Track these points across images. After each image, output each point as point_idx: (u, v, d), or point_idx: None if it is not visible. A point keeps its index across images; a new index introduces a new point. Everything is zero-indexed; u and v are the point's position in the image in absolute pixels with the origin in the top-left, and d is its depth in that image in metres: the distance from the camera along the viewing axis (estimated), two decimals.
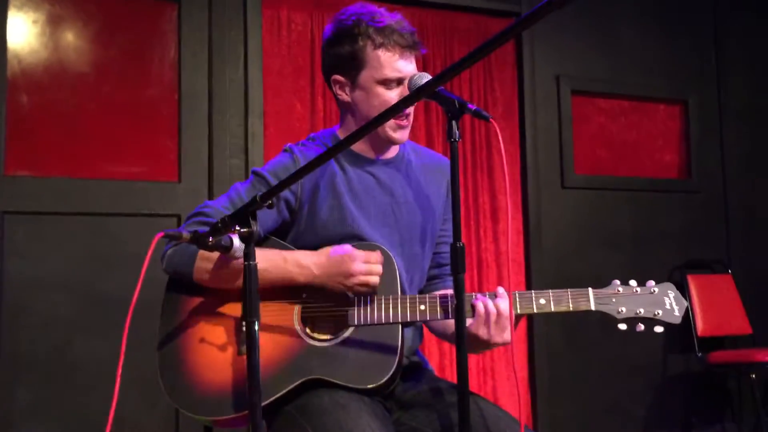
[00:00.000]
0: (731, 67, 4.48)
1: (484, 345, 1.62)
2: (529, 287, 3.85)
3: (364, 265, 1.62)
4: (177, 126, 3.28)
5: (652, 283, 1.67)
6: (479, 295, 1.62)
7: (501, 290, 1.62)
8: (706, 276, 4.16)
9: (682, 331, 3.98)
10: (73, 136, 3.12)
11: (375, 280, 1.63)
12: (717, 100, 4.45)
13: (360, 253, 1.63)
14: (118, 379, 1.30)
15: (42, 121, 3.08)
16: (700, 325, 3.97)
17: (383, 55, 1.73)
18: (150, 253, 1.33)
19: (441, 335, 1.88)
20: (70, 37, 3.17)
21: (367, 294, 1.65)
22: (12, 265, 2.95)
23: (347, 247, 1.65)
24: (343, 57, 1.77)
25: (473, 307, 1.61)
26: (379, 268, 1.64)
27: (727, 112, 4.45)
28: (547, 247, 3.93)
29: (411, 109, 1.79)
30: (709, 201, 4.35)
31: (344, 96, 1.80)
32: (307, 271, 1.64)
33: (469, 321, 1.61)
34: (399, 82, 1.75)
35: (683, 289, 4.01)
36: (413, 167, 1.88)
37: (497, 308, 1.59)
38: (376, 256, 1.65)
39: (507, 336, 1.60)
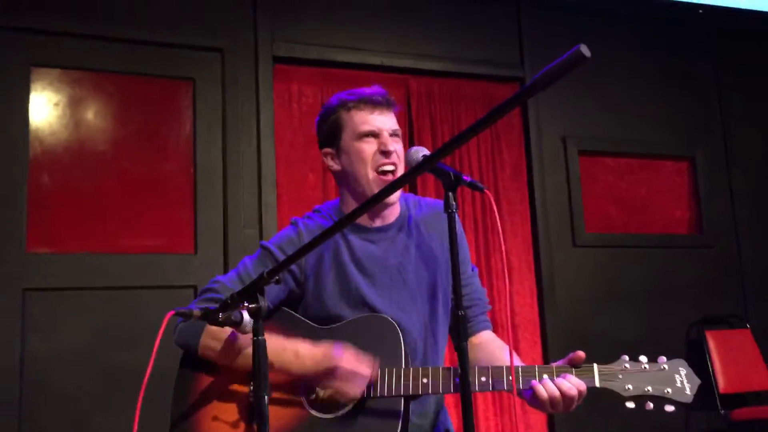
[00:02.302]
0: (736, 120, 4.54)
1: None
2: (544, 347, 3.84)
3: (349, 374, 1.62)
4: (193, 199, 3.36)
5: (663, 359, 1.60)
6: (534, 381, 1.60)
7: (579, 354, 1.62)
8: (724, 331, 4.12)
9: (703, 388, 3.91)
10: (92, 212, 3.21)
11: (354, 392, 1.62)
12: (724, 153, 4.49)
13: (351, 361, 1.63)
14: None
15: (62, 198, 3.18)
16: (721, 382, 3.91)
17: (356, 114, 1.84)
18: (162, 330, 1.38)
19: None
20: (89, 116, 3.30)
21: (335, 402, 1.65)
22: (32, 341, 3.01)
23: (345, 348, 1.65)
24: (326, 131, 1.89)
25: (532, 386, 1.59)
26: (362, 382, 1.63)
27: (735, 165, 4.49)
28: (561, 307, 3.93)
29: (399, 160, 1.84)
30: (722, 255, 4.35)
31: (335, 165, 1.89)
32: (302, 362, 1.66)
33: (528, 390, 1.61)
34: (374, 135, 1.83)
35: (702, 346, 3.97)
36: (414, 224, 1.92)
37: (561, 389, 1.58)
38: (369, 368, 1.64)
39: (572, 408, 1.59)
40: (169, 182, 3.37)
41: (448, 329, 1.93)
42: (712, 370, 3.91)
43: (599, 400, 3.96)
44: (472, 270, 1.97)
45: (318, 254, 1.81)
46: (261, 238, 3.38)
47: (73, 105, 3.27)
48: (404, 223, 1.92)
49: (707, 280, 4.26)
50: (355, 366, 1.63)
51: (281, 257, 1.78)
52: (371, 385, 1.65)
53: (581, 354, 1.63)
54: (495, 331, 3.92)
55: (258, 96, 3.51)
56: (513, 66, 4.06)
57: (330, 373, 1.63)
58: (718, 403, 3.87)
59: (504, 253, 1.66)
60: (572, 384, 1.58)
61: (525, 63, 4.06)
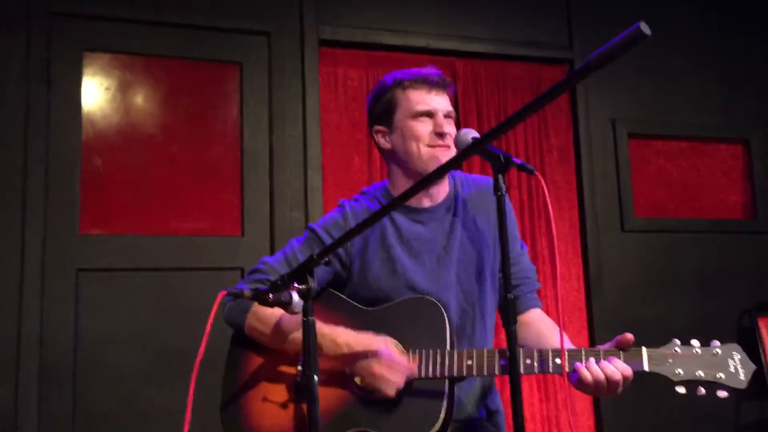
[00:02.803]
0: None
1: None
2: (591, 334, 3.79)
3: (386, 371, 1.62)
4: (239, 182, 3.40)
5: (716, 343, 1.56)
6: (578, 363, 1.59)
7: (628, 336, 1.60)
8: None
9: (755, 376, 3.84)
10: (142, 194, 3.27)
11: (389, 390, 1.62)
12: None
13: (390, 357, 1.63)
14: (186, 429, 1.35)
15: (113, 181, 3.25)
16: None
17: (411, 93, 1.85)
18: (214, 310, 1.40)
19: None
20: (139, 101, 3.35)
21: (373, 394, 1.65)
22: (86, 321, 3.09)
23: (384, 343, 1.66)
24: (380, 109, 1.89)
25: (576, 369, 1.58)
26: (399, 379, 1.62)
27: None
28: (609, 293, 3.87)
29: (450, 145, 1.83)
30: None
31: (385, 143, 1.89)
32: (340, 351, 1.67)
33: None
34: (429, 114, 1.83)
35: (754, 333, 3.89)
36: (461, 203, 1.91)
37: (605, 373, 1.56)
38: (406, 367, 1.64)
39: (618, 392, 1.58)
40: (217, 166, 3.41)
41: (496, 308, 1.92)
42: (765, 358, 3.82)
43: (648, 385, 3.92)
44: (521, 247, 1.96)
45: (364, 236, 1.82)
46: (306, 220, 3.40)
47: (124, 89, 3.33)
48: (452, 202, 1.91)
49: (760, 266, 4.15)
50: (391, 366, 1.63)
51: (327, 239, 1.80)
52: (417, 357, 1.65)
53: (629, 336, 1.61)
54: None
55: (304, 79, 3.52)
56: (561, 48, 4.00)
57: (367, 369, 1.64)
58: None
59: (555, 235, 1.63)
60: (617, 368, 1.56)
61: (574, 45, 3.99)
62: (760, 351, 3.83)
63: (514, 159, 1.47)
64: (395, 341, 1.68)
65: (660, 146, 4.17)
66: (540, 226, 3.81)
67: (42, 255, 3.06)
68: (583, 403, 3.75)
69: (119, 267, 3.17)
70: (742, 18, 4.38)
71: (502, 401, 1.96)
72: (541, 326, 1.89)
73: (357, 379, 1.68)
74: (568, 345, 1.67)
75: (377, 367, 1.63)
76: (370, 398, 1.66)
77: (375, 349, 1.64)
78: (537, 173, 1.45)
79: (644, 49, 4.10)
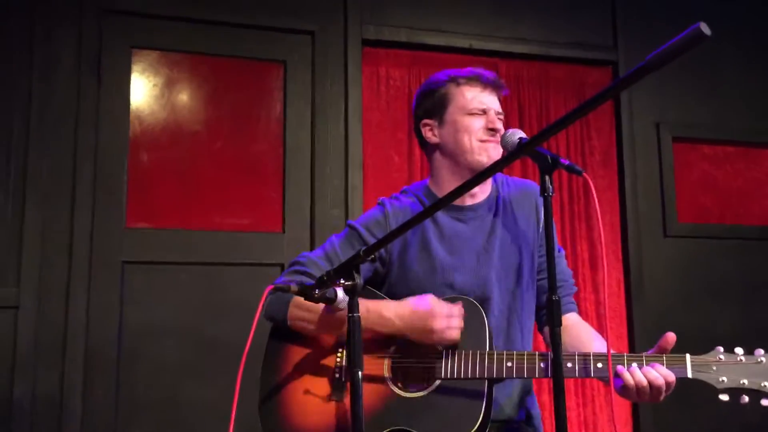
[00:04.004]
0: None
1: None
2: (631, 340, 3.75)
3: (445, 321, 1.64)
4: (282, 179, 3.43)
5: (760, 351, 1.55)
6: (620, 367, 1.58)
7: (670, 336, 1.60)
8: None
9: None
10: (187, 190, 3.33)
11: (455, 335, 1.65)
12: None
13: (441, 309, 1.66)
14: (232, 422, 1.37)
15: (159, 176, 3.31)
16: None
17: (466, 89, 1.87)
18: (262, 303, 1.42)
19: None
20: (185, 98, 3.40)
21: (448, 347, 1.67)
22: (130, 312, 3.15)
23: (430, 299, 1.68)
24: (431, 103, 1.90)
25: (618, 374, 1.58)
26: (459, 323, 1.66)
27: None
28: (650, 299, 3.82)
29: (500, 133, 1.84)
30: None
31: (433, 137, 1.90)
32: (390, 323, 1.69)
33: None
34: (482, 112, 1.85)
35: None
36: (502, 203, 1.92)
37: (648, 378, 1.56)
38: (459, 309, 1.67)
39: (668, 392, 1.58)
40: (260, 162, 3.45)
41: (534, 311, 1.92)
42: None
43: (688, 393, 3.85)
44: (559, 251, 1.95)
45: (404, 235, 1.82)
46: (347, 218, 3.42)
47: (170, 86, 3.39)
48: (494, 202, 1.91)
49: None
50: (445, 312, 1.65)
51: (368, 237, 1.81)
52: (457, 357, 1.65)
53: (671, 335, 1.59)
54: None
55: (347, 78, 3.54)
56: (606, 49, 3.95)
57: (425, 327, 1.64)
58: None
59: (602, 235, 1.63)
60: (660, 374, 1.55)
61: (619, 46, 3.94)
62: None
63: (562, 160, 1.47)
64: (432, 295, 1.70)
65: (705, 150, 4.10)
66: (581, 229, 3.78)
67: (89, 246, 3.13)
68: (621, 409, 3.71)
69: (163, 260, 3.22)
70: None
71: (542, 404, 1.95)
72: (579, 331, 1.88)
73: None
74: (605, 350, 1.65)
75: (434, 322, 1.64)
76: (417, 386, 1.66)
77: (423, 309, 1.66)
78: (585, 174, 1.44)
79: (691, 51, 4.04)
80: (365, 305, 1.69)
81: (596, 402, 3.65)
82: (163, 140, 3.34)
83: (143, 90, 3.35)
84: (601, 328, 3.70)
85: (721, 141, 4.11)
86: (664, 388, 1.56)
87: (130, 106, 3.29)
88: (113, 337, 3.11)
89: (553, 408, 3.66)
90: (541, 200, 1.95)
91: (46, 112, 3.15)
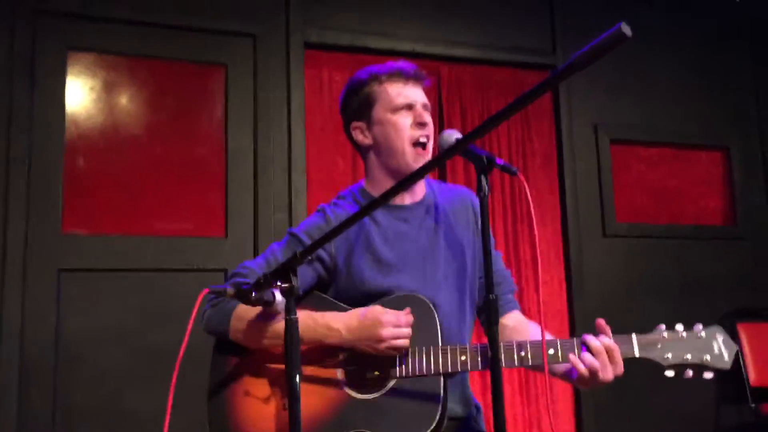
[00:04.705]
0: None
1: (592, 387, 1.63)
2: (572, 336, 3.81)
3: (393, 330, 1.64)
4: (224, 183, 3.40)
5: (699, 326, 1.59)
6: (571, 354, 1.60)
7: (601, 321, 1.62)
8: (757, 324, 4.07)
9: (734, 381, 3.89)
10: (126, 194, 3.26)
11: (404, 344, 1.65)
12: (759, 144, 4.42)
13: (389, 317, 1.65)
14: (166, 428, 1.35)
15: (97, 181, 3.23)
16: (752, 375, 3.87)
17: (389, 86, 1.86)
18: (196, 308, 1.40)
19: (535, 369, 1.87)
20: (123, 101, 3.34)
21: (395, 355, 1.67)
22: (67, 320, 3.07)
23: (377, 310, 1.67)
24: (357, 104, 1.89)
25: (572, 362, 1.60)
26: (407, 332, 1.65)
27: None
28: (590, 297, 3.90)
29: (431, 132, 1.86)
30: (755, 247, 4.28)
31: (364, 139, 1.89)
32: (337, 334, 1.67)
33: (563, 366, 1.63)
34: (408, 107, 1.85)
35: (734, 339, 3.92)
36: (440, 206, 1.93)
37: (605, 346, 1.58)
38: (407, 318, 1.66)
39: (619, 369, 1.59)
40: (201, 167, 3.40)
41: (475, 314, 1.94)
42: (744, 363, 3.87)
43: (628, 388, 3.93)
44: (496, 253, 1.97)
45: (347, 238, 1.81)
46: (291, 222, 3.40)
47: (108, 89, 3.32)
48: (431, 205, 1.93)
49: (740, 273, 4.21)
50: (393, 321, 1.65)
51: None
52: (411, 355, 1.66)
53: (601, 322, 1.63)
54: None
55: (289, 82, 3.52)
56: (545, 53, 4.03)
57: (373, 337, 1.64)
58: (749, 397, 3.83)
59: (536, 233, 1.66)
60: (605, 341, 1.59)
61: (557, 50, 4.03)
62: (740, 356, 3.87)
63: (497, 160, 1.49)
64: (380, 306, 1.69)
65: (641, 152, 4.22)
66: (523, 231, 3.84)
67: (24, 253, 3.04)
68: (564, 405, 3.78)
69: (102, 267, 3.15)
70: (723, 27, 4.45)
71: (482, 402, 1.97)
72: (523, 328, 1.90)
73: (369, 372, 1.66)
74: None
75: (382, 331, 1.63)
76: (370, 389, 1.67)
77: (371, 318, 1.65)
78: (520, 174, 1.47)
79: (627, 55, 4.16)
80: (312, 317, 1.68)
81: (540, 400, 3.71)
82: (101, 144, 3.27)
83: (80, 93, 3.27)
84: (544, 326, 3.77)
85: (656, 143, 4.23)
86: (618, 352, 1.58)
87: (66, 110, 3.21)
88: (50, 345, 3.03)
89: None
90: (478, 205, 1.99)
91: None
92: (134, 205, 3.27)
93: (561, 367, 1.73)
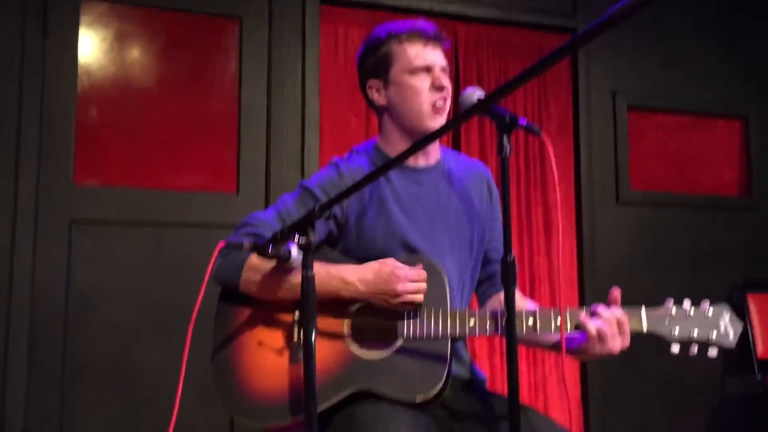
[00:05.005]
0: None
1: (598, 358, 1.62)
2: (581, 304, 3.81)
3: (410, 285, 1.63)
4: (236, 139, 3.37)
5: (706, 304, 1.60)
6: (582, 314, 1.60)
7: (617, 290, 1.61)
8: (767, 296, 4.05)
9: (741, 352, 3.89)
10: (138, 147, 3.24)
11: (419, 298, 1.64)
12: None
13: (405, 272, 1.64)
14: (181, 384, 1.34)
15: (109, 133, 3.21)
16: (760, 347, 3.86)
17: (408, 47, 1.82)
18: (212, 262, 1.39)
19: (537, 345, 1.85)
20: (136, 53, 3.30)
21: (411, 310, 1.66)
22: (78, 272, 3.07)
23: (392, 264, 1.66)
24: (374, 62, 1.86)
25: (577, 327, 1.59)
26: (423, 286, 1.64)
27: None
28: (601, 265, 3.88)
29: (448, 95, 1.82)
30: None
31: (380, 99, 1.86)
32: (353, 287, 1.66)
33: (574, 334, 1.61)
34: (427, 70, 1.81)
35: (743, 310, 3.91)
36: (454, 174, 1.91)
37: (616, 317, 1.58)
38: (421, 272, 1.65)
39: (626, 342, 1.59)
40: (214, 121, 3.37)
41: (474, 286, 1.93)
42: (752, 334, 3.86)
43: (635, 358, 3.93)
44: (501, 232, 1.96)
45: (359, 195, 1.79)
46: (302, 179, 3.37)
47: (121, 40, 3.27)
48: (445, 168, 1.90)
49: (753, 244, 4.17)
50: (409, 276, 1.63)
51: (323, 197, 1.77)
52: (419, 317, 1.65)
53: (617, 290, 1.62)
54: (532, 284, 3.90)
55: (304, 37, 3.47)
56: (565, 15, 3.95)
57: (390, 290, 1.62)
58: (756, 368, 3.82)
59: (557, 193, 1.64)
60: (616, 312, 1.58)
61: (578, 13, 3.95)
62: (748, 327, 3.86)
63: (520, 120, 1.45)
64: (393, 259, 1.68)
65: (659, 119, 4.16)
66: (536, 196, 3.80)
67: (35, 204, 3.03)
68: (569, 372, 3.78)
69: (113, 220, 3.14)
70: None
71: (489, 367, 1.97)
72: (521, 304, 1.89)
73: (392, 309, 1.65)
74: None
75: (398, 285, 1.62)
76: (377, 348, 1.65)
77: (386, 272, 1.63)
78: (544, 134, 1.43)
79: (647, 21, 4.08)
80: (326, 269, 1.66)
81: (546, 365, 3.71)
82: (113, 96, 3.24)
83: (92, 44, 3.23)
84: (553, 293, 3.76)
85: (675, 110, 4.17)
86: (627, 324, 1.58)
87: (78, 61, 3.17)
88: (60, 297, 3.03)
89: (503, 371, 3.73)
90: (492, 180, 1.97)
91: None
92: (146, 158, 3.25)
93: (554, 338, 1.73)
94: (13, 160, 3.02)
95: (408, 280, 1.63)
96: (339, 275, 1.67)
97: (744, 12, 4.32)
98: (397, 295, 1.62)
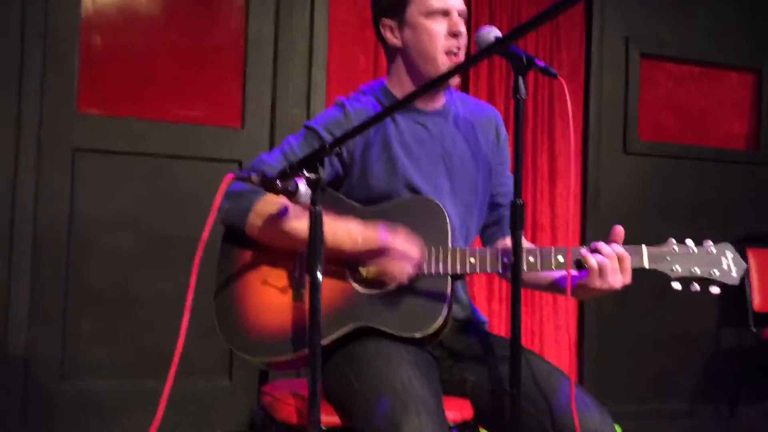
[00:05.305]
0: None
1: (599, 294, 1.62)
2: None
3: (402, 265, 1.59)
4: (242, 73, 3.32)
5: (710, 242, 1.60)
6: (583, 249, 1.60)
7: (619, 229, 1.61)
8: (766, 250, 4.06)
9: (737, 304, 3.92)
10: (142, 77, 3.19)
11: (404, 279, 1.60)
12: None
13: (404, 247, 1.60)
14: (187, 314, 1.35)
15: (113, 61, 3.16)
16: (756, 300, 3.89)
17: None
18: (219, 193, 1.37)
19: (538, 287, 1.86)
20: None
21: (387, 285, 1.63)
22: (81, 201, 3.07)
23: (399, 236, 1.62)
24: (390, 0, 1.79)
25: (578, 263, 1.59)
26: (413, 269, 1.60)
27: None
28: (604, 213, 3.88)
29: (464, 42, 1.78)
30: None
31: (393, 39, 1.81)
32: (351, 242, 1.62)
33: (575, 272, 1.61)
34: (444, 13, 1.76)
35: None
36: (461, 117, 1.88)
37: (617, 253, 1.57)
38: (422, 249, 1.62)
39: (628, 278, 1.59)
40: (220, 53, 3.32)
41: (477, 232, 1.92)
42: (749, 287, 3.88)
43: (630, 304, 3.95)
44: (509, 176, 1.94)
45: (365, 135, 1.77)
46: (308, 117, 3.34)
47: None
48: (451, 112, 1.87)
49: (757, 198, 4.17)
50: (405, 248, 1.61)
51: (328, 138, 1.75)
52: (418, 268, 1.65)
53: (619, 228, 1.61)
54: (534, 231, 3.90)
55: None
56: None
57: (380, 253, 1.61)
58: (751, 321, 3.87)
59: (572, 137, 1.62)
60: (617, 249, 1.59)
61: None
62: (746, 280, 3.88)
63: (537, 61, 1.42)
64: (404, 228, 1.66)
65: (671, 69, 4.10)
66: (542, 142, 3.77)
67: (38, 132, 3.00)
68: (566, 317, 3.82)
69: (116, 149, 3.12)
70: None
71: (492, 312, 1.97)
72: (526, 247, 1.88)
73: (364, 271, 1.66)
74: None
75: (389, 258, 1.60)
76: (380, 287, 1.65)
77: (386, 238, 1.61)
78: (560, 77, 1.41)
79: None
80: (333, 220, 1.62)
81: (543, 311, 3.75)
82: (118, 23, 3.17)
83: None
84: (555, 240, 3.77)
85: (688, 60, 4.10)
86: (629, 259, 1.58)
87: None
88: (63, 225, 3.03)
89: (504, 315, 3.74)
90: (502, 124, 1.94)
91: None
92: (150, 88, 3.20)
93: (555, 277, 1.74)
94: (16, 88, 2.98)
95: (403, 259, 1.59)
96: (345, 226, 1.64)
97: None
98: (385, 264, 1.60)
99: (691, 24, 4.08)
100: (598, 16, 3.88)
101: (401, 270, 1.60)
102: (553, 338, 3.76)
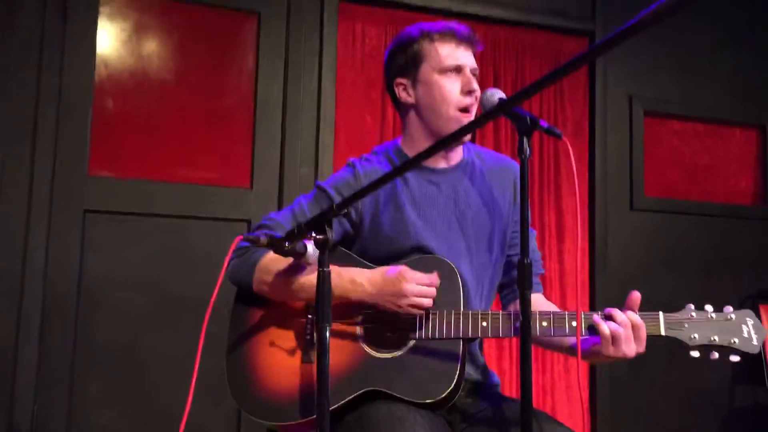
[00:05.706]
0: None
1: (611, 361, 1.60)
2: (592, 310, 3.79)
3: (417, 287, 1.61)
4: (251, 134, 3.37)
5: (729, 309, 1.58)
6: (596, 315, 1.58)
7: (636, 295, 1.59)
8: None
9: (752, 361, 3.86)
10: (153, 140, 3.24)
11: (427, 303, 1.62)
12: None
13: (413, 274, 1.62)
14: (195, 376, 1.34)
15: (124, 124, 3.21)
16: None
17: (440, 46, 1.80)
18: (229, 255, 1.39)
19: (554, 348, 1.84)
20: (153, 45, 3.30)
21: (416, 314, 1.64)
22: (91, 262, 3.08)
23: (403, 268, 1.64)
24: (404, 60, 1.84)
25: (592, 329, 1.57)
26: (433, 291, 1.62)
27: None
28: (613, 270, 3.86)
29: (477, 99, 1.80)
30: None
31: (407, 97, 1.84)
32: (360, 288, 1.64)
33: (587, 336, 1.60)
34: (458, 70, 1.79)
35: None
36: (478, 172, 1.88)
37: (631, 321, 1.56)
38: (432, 277, 1.63)
39: (641, 347, 1.57)
40: (229, 116, 3.37)
41: (495, 291, 1.91)
42: (764, 345, 3.82)
43: (643, 365, 3.90)
44: (531, 232, 1.93)
45: (374, 195, 1.78)
46: (316, 177, 3.37)
47: (140, 32, 3.28)
48: (468, 168, 1.88)
49: (766, 254, 4.14)
50: (418, 278, 1.61)
51: (337, 199, 1.77)
52: (432, 317, 1.63)
53: (636, 294, 1.60)
54: (543, 288, 3.89)
55: (322, 34, 3.46)
56: (584, 19, 3.93)
57: (397, 293, 1.61)
58: (766, 379, 3.80)
59: (577, 194, 1.63)
60: (632, 317, 1.57)
61: (596, 17, 3.93)
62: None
63: (542, 122, 1.45)
64: (406, 266, 1.66)
65: (675, 126, 4.13)
66: (549, 200, 3.79)
67: (50, 193, 3.04)
68: (578, 377, 3.76)
69: (126, 211, 3.15)
70: (767, 2, 4.31)
71: (498, 369, 1.95)
72: (545, 308, 1.87)
73: (388, 332, 1.63)
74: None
75: (406, 286, 1.60)
76: (390, 347, 1.64)
77: (394, 277, 1.61)
78: (564, 138, 1.43)
79: (667, 26, 4.05)
80: (336, 271, 1.64)
81: (555, 369, 3.70)
82: (130, 87, 3.25)
83: (111, 34, 3.24)
84: (564, 298, 3.75)
85: (691, 117, 4.14)
86: (643, 328, 1.56)
87: (96, 51, 3.18)
88: (73, 286, 3.04)
89: (514, 374, 3.70)
90: (519, 178, 1.95)
91: (8, 54, 3.03)
92: (161, 150, 3.25)
93: (570, 341, 1.71)
94: (29, 149, 3.03)
95: (416, 282, 1.61)
96: (349, 277, 1.66)
97: (763, 21, 4.29)
98: (404, 295, 1.60)
99: (694, 81, 4.13)
100: (601, 74, 3.94)
101: (423, 300, 1.60)
102: (564, 397, 3.70)
